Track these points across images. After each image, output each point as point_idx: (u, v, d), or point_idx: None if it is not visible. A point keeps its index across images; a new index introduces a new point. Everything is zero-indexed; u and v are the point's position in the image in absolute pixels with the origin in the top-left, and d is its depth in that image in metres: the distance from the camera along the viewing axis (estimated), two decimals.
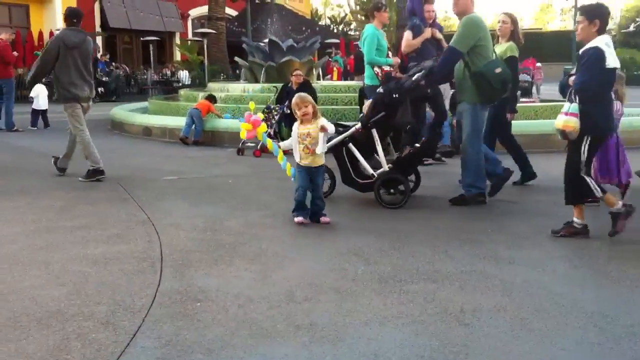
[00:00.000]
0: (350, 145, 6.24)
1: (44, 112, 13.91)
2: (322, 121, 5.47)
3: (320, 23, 49.07)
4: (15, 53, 14.08)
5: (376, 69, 7.14)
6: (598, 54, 4.79)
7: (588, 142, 4.89)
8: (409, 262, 4.41)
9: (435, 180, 7.64)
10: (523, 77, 23.40)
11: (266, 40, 17.79)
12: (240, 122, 6.48)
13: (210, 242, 4.96)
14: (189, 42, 31.81)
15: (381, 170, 6.18)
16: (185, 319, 3.42)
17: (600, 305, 3.63)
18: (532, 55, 26.08)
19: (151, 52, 28.99)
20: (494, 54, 6.22)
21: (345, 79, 23.75)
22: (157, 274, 4.15)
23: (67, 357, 2.96)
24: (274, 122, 10.13)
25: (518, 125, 10.39)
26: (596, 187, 4.95)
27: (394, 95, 6.02)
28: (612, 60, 4.83)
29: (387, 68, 7.23)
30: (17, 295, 3.75)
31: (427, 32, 8.52)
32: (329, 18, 59.49)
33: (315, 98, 10.81)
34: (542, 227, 5.38)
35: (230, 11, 34.90)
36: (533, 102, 15.23)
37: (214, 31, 27.35)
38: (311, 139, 5.47)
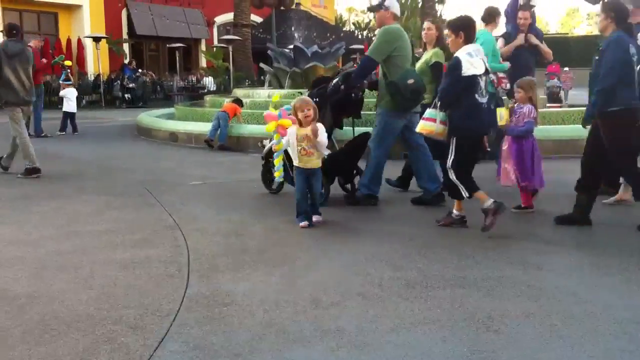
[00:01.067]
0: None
1: (72, 117, 14.07)
2: (320, 126, 5.50)
3: (344, 29, 49.11)
4: (43, 60, 14.29)
5: (491, 75, 6.58)
6: (455, 63, 5.24)
7: (454, 143, 5.30)
8: (436, 268, 4.39)
9: None
10: (553, 82, 23.23)
11: (291, 47, 17.84)
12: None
13: (236, 246, 4.98)
14: (215, 48, 32.04)
15: None
16: (212, 323, 3.43)
17: (630, 312, 3.57)
18: (557, 60, 25.91)
19: (177, 59, 29.24)
20: (413, 63, 6.56)
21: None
22: (184, 278, 4.18)
23: None
24: None
25: (546, 131, 10.38)
26: (463, 189, 5.29)
27: (315, 100, 6.17)
28: (471, 68, 5.21)
29: (500, 74, 7.23)
30: (47, 299, 3.80)
31: (519, 39, 8.28)
32: (353, 24, 59.49)
33: None
34: (569, 233, 5.32)
35: (256, 17, 35.08)
36: (560, 107, 15.09)
37: (239, 38, 27.52)
38: (309, 141, 5.52)
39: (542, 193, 6.92)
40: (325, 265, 4.51)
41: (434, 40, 7.03)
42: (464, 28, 5.39)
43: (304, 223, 5.52)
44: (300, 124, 5.59)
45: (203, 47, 34.03)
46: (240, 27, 28.93)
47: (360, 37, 47.90)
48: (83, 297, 3.84)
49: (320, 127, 5.51)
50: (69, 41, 25.95)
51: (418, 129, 5.57)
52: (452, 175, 5.32)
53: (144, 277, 4.21)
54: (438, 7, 30.91)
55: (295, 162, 5.66)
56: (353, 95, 6.53)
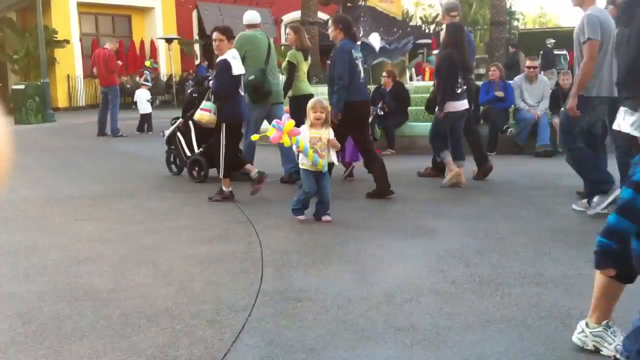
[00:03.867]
0: (178, 133, 8.14)
1: (147, 117, 14.43)
2: (330, 134, 5.61)
3: (411, 24, 48.67)
4: (119, 62, 14.73)
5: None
6: (226, 65, 6.38)
7: (224, 129, 6.50)
8: (510, 265, 4.31)
9: (537, 180, 7.46)
10: None
11: (359, 43, 17.78)
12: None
13: (308, 242, 5.02)
14: (282, 47, 32.31)
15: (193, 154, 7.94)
16: (287, 318, 3.48)
17: None
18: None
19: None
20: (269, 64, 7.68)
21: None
22: (259, 274, 4.25)
23: (176, 353, 3.08)
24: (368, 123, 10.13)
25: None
26: (223, 168, 6.52)
27: (194, 95, 7.88)
28: (237, 68, 6.47)
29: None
30: (127, 294, 3.93)
31: None
32: (420, 18, 58.89)
33: (408, 99, 10.77)
34: None
35: (322, 15, 35.18)
36: None
37: (307, 36, 27.65)
38: (322, 143, 5.55)
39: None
40: (397, 261, 4.50)
41: (295, 44, 8.03)
42: (343, 22, 6.68)
43: (302, 217, 5.66)
44: (311, 125, 5.60)
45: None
46: (307, 24, 29.04)
47: (427, 31, 47.40)
48: (162, 292, 3.95)
49: (330, 132, 5.61)
50: (142, 43, 26.66)
51: (196, 117, 6.81)
52: (222, 156, 6.46)
53: (219, 273, 4.30)
54: None
55: (305, 164, 5.62)
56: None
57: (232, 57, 6.45)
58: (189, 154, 8.01)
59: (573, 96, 5.52)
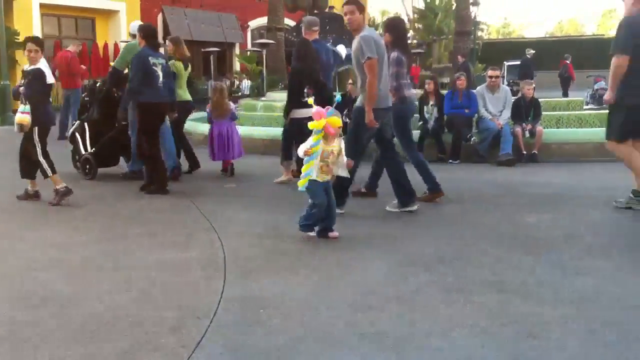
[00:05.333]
0: (76, 133, 8.66)
1: None
2: (342, 145, 5.41)
3: (378, 32, 48.98)
4: (82, 67, 14.52)
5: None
6: (39, 73, 6.69)
7: (36, 132, 6.69)
8: (473, 272, 4.35)
9: (500, 189, 7.56)
10: (600, 84, 22.99)
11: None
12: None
13: (273, 249, 4.99)
14: (248, 52, 32.22)
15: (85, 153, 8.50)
16: (250, 325, 3.45)
17: None
18: (595, 61, 25.69)
19: (211, 63, 29.48)
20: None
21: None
22: (222, 281, 4.21)
23: None
24: None
25: (565, 133, 10.37)
26: (47, 168, 6.72)
27: (85, 98, 8.73)
28: (50, 78, 6.78)
29: None
30: (87, 301, 3.86)
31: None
32: None
33: None
34: (611, 237, 5.24)
35: (289, 21, 35.21)
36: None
37: (273, 41, 27.62)
38: (333, 157, 5.30)
39: (581, 199, 6.82)
40: (362, 268, 4.50)
41: (175, 53, 8.86)
42: (143, 31, 7.79)
43: (313, 234, 5.31)
44: (325, 138, 5.29)
45: (237, 51, 34.27)
46: (274, 30, 29.03)
47: None
48: (123, 298, 3.89)
49: (342, 143, 5.43)
50: (105, 46, 26.34)
51: (17, 120, 6.72)
52: (40, 157, 6.72)
53: (182, 279, 4.25)
54: (473, 9, 30.61)
55: (315, 177, 5.30)
56: (116, 95, 8.42)
57: (45, 66, 6.77)
58: (83, 152, 8.56)
59: (368, 112, 5.94)
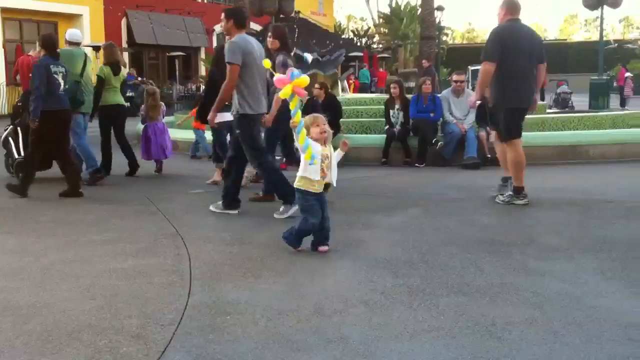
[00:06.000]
0: (10, 138, 8.80)
1: None
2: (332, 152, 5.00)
3: (343, 36, 49.17)
4: None
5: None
6: None
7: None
8: (438, 275, 4.38)
9: (464, 192, 7.63)
10: (563, 88, 23.46)
11: (291, 54, 17.82)
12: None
13: (239, 255, 4.97)
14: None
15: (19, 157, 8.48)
16: (215, 332, 3.42)
17: (634, 317, 3.56)
18: (557, 65, 26.20)
19: (177, 67, 29.29)
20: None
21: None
22: (187, 287, 4.17)
23: None
24: None
25: (527, 137, 10.49)
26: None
27: (19, 104, 8.90)
28: None
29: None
30: (49, 309, 3.79)
31: None
32: (352, 31, 59.62)
33: (340, 111, 10.85)
34: (572, 239, 5.32)
35: (255, 26, 35.13)
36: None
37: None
38: (328, 161, 4.92)
39: (543, 199, 6.92)
40: (328, 273, 4.50)
41: (106, 58, 9.25)
42: None
43: (324, 248, 4.97)
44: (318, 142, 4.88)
45: (203, 55, 34.09)
46: None
47: (359, 44, 47.99)
48: (85, 307, 3.82)
49: (331, 150, 5.01)
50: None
51: None
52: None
53: (145, 286, 4.20)
54: (437, 13, 30.93)
55: (311, 187, 4.91)
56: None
57: None
58: (17, 157, 8.61)
59: (214, 110, 6.55)
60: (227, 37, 6.55)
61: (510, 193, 6.70)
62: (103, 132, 9.10)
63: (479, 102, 10.52)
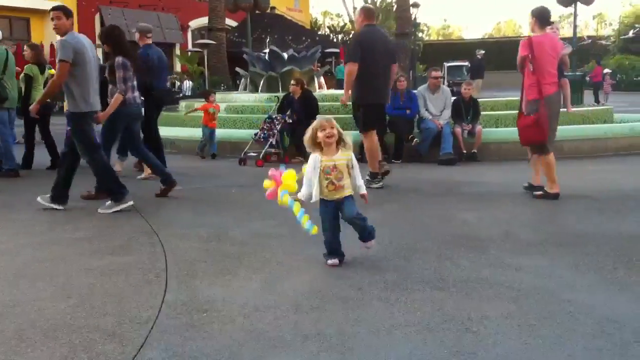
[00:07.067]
0: None
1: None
2: (352, 157, 4.60)
3: (319, 32, 49.18)
4: (17, 68, 14.09)
5: None
6: None
7: None
8: (415, 271, 4.40)
9: (440, 187, 7.67)
10: None
11: (267, 50, 17.83)
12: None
13: (215, 252, 4.95)
14: (189, 53, 31.89)
15: None
16: (192, 329, 3.41)
17: (608, 310, 3.61)
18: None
19: None
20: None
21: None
22: (163, 285, 4.14)
23: None
24: (275, 131, 10.15)
25: (504, 133, 10.64)
26: None
27: None
28: None
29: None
30: (23, 308, 3.74)
31: None
32: (328, 27, 59.63)
33: (317, 107, 10.85)
34: (547, 234, 5.38)
35: (230, 22, 34.98)
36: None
37: (214, 42, 27.41)
38: (338, 172, 4.48)
39: (522, 194, 6.98)
40: (305, 269, 4.50)
41: (32, 58, 9.79)
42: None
43: (334, 261, 4.55)
44: (321, 149, 4.52)
45: (177, 51, 33.88)
46: (215, 31, 28.82)
47: (335, 40, 48.02)
48: (60, 305, 3.78)
49: (352, 155, 4.62)
50: (41, 46, 25.68)
51: None
52: None
53: (121, 284, 4.17)
54: (412, 10, 31.05)
55: (321, 196, 4.56)
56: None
57: None
58: None
59: (37, 102, 6.95)
60: (60, 35, 6.59)
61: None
62: (27, 127, 9.74)
63: (453, 98, 10.64)
